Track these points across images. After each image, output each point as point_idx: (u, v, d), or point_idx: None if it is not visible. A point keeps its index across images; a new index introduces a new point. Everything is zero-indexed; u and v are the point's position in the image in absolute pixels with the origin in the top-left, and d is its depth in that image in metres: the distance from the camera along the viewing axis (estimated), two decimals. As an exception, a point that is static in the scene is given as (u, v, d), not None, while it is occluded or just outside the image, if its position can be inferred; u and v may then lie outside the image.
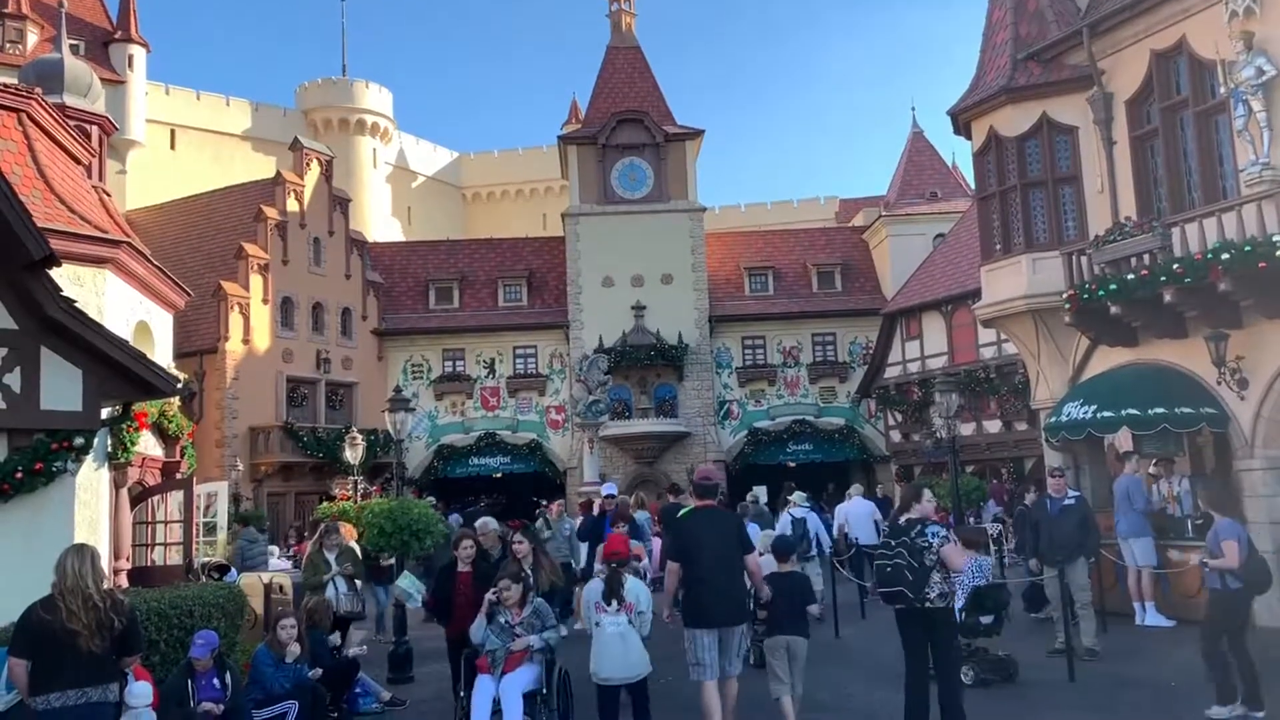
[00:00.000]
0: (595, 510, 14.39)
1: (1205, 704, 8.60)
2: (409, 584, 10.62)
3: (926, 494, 7.88)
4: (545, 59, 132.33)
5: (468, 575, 9.15)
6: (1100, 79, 15.50)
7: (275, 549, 22.63)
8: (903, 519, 7.89)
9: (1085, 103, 15.76)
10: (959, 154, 46.00)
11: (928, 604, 7.50)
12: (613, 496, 14.57)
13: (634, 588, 7.86)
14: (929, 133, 45.85)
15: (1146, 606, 13.21)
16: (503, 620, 7.89)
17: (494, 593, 8.01)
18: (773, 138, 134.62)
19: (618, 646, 7.57)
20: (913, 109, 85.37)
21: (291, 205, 33.03)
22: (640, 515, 15.42)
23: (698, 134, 36.42)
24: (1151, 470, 15.39)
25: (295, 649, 9.02)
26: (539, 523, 16.03)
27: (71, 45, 26.58)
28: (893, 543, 7.74)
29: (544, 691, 7.88)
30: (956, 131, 17.90)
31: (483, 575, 8.96)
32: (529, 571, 8.76)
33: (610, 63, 37.83)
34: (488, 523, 10.68)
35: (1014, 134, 16.40)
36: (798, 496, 16.09)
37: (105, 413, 9.68)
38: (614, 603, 7.64)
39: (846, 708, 9.33)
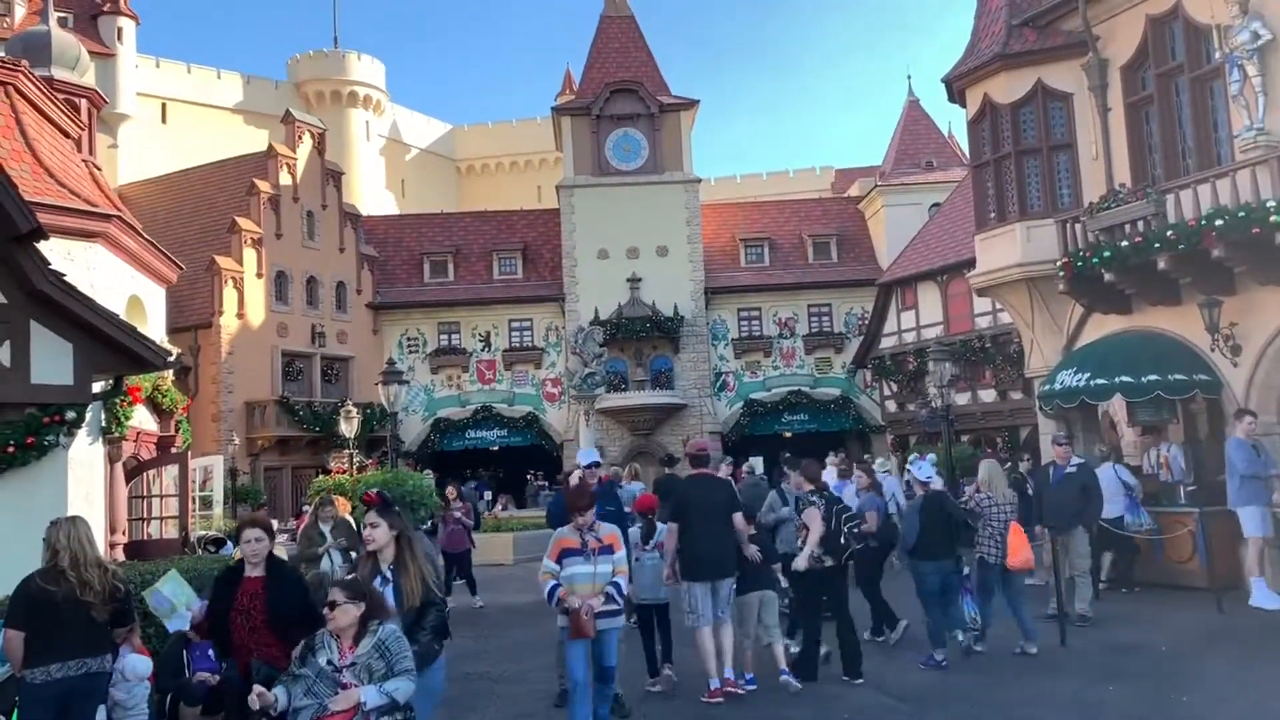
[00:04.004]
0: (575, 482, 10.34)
1: (1196, 669, 8.85)
2: (173, 591, 6.62)
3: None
4: (539, 29, 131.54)
5: (257, 583, 6.13)
6: (1095, 45, 15.39)
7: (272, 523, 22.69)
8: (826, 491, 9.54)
9: (1080, 69, 15.66)
10: (955, 123, 45.84)
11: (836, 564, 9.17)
12: (597, 465, 10.39)
13: (664, 532, 8.97)
14: (925, 102, 45.68)
15: (1256, 583, 11.74)
16: (324, 661, 5.03)
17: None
18: (768, 108, 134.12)
19: (650, 576, 8.82)
20: (909, 77, 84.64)
21: (284, 179, 32.88)
22: (634, 486, 15.21)
23: (692, 104, 36.22)
24: (1143, 437, 15.45)
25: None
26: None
27: (59, 18, 26.34)
28: (840, 508, 9.31)
29: None
30: (951, 99, 17.79)
31: (284, 582, 6.20)
32: (388, 575, 5.73)
33: (604, 32, 37.54)
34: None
35: (1009, 101, 16.30)
36: (880, 463, 17.11)
37: (97, 386, 9.68)
38: (649, 543, 8.95)
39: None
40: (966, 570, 9.98)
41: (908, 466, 11.30)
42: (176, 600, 6.57)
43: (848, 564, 9.25)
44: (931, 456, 12.92)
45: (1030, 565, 10.32)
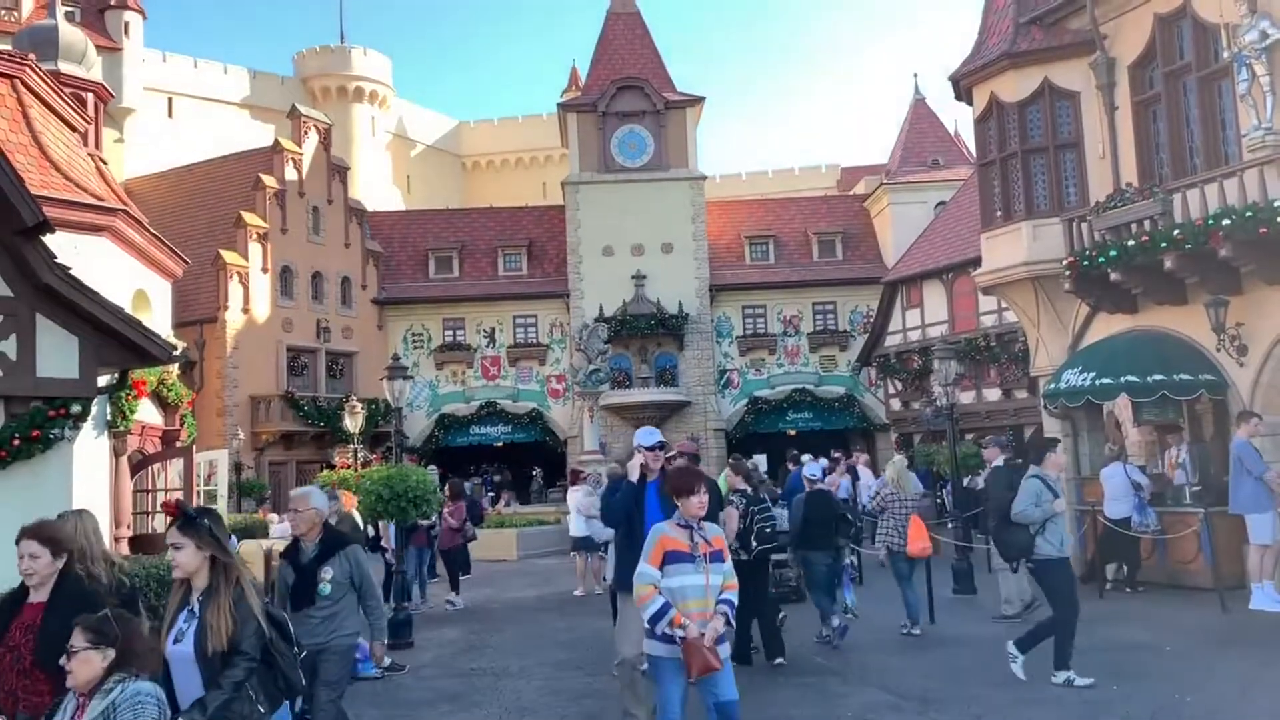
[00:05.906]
0: (636, 475, 7.42)
1: (1200, 669, 8.81)
2: None
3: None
4: (545, 25, 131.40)
5: (35, 611, 4.84)
6: (1103, 43, 15.35)
7: (276, 517, 22.81)
8: (748, 490, 10.11)
9: (1088, 68, 15.62)
10: (962, 121, 45.74)
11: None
12: (662, 447, 7.52)
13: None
14: (931, 100, 45.51)
15: (1265, 586, 11.45)
16: None
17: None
18: (774, 105, 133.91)
19: None
20: (915, 75, 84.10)
21: (290, 174, 32.92)
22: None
23: (698, 101, 36.19)
24: (1153, 438, 15.43)
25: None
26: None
27: (67, 12, 26.40)
28: (757, 508, 9.85)
29: None
30: (958, 97, 17.76)
31: (69, 613, 4.33)
32: (195, 608, 4.51)
33: (610, 28, 37.53)
34: (308, 494, 6.49)
35: (1015, 99, 16.26)
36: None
37: (103, 380, 9.68)
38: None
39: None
40: (851, 561, 11.07)
41: (800, 468, 12.26)
42: None
43: (763, 558, 9.93)
44: (823, 461, 14.76)
45: (926, 553, 11.26)
